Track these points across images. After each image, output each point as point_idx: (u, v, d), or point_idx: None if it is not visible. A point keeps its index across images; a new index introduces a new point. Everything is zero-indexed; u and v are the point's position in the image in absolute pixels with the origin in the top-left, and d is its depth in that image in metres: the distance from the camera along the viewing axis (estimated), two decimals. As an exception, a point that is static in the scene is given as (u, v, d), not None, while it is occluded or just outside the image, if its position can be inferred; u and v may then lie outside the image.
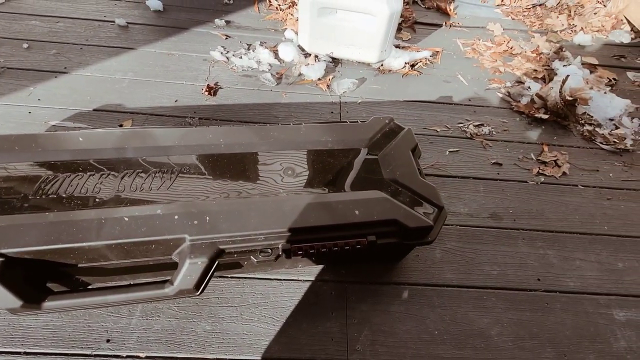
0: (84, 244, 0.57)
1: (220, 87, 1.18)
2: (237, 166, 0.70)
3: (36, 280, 0.60)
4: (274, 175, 0.70)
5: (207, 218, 0.61)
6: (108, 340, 0.68)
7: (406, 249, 0.77)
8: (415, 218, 0.65)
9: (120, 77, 1.16)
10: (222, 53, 1.28)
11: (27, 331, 0.67)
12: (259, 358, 0.68)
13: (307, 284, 0.79)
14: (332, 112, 1.16)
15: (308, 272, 0.80)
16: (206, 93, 1.14)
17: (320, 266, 0.81)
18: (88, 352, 0.66)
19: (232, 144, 0.72)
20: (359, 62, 1.33)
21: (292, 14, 1.46)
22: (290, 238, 0.62)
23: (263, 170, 0.70)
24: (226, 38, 1.36)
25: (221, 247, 0.60)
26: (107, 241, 0.57)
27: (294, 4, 1.53)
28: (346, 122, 0.84)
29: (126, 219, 0.60)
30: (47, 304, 0.57)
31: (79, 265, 0.61)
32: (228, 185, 0.67)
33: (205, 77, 1.20)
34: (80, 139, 0.69)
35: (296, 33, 1.38)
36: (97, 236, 0.57)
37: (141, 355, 0.67)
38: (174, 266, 0.67)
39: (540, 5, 1.76)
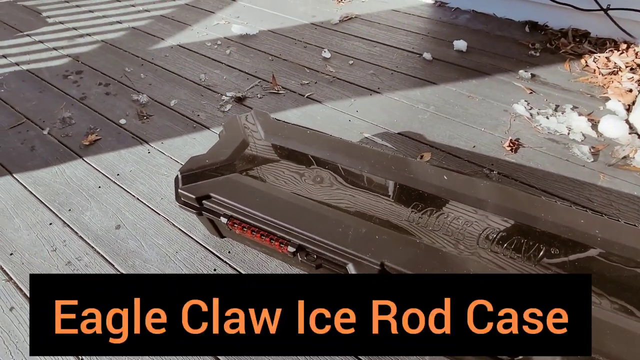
0: (452, 289, 0.58)
1: (522, 145, 1.09)
2: (620, 274, 0.59)
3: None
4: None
5: (590, 325, 0.52)
6: (398, 371, 0.69)
7: None
8: None
9: (422, 108, 1.24)
10: (525, 108, 1.20)
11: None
12: None
13: None
14: (673, 220, 0.90)
15: None
16: (508, 148, 1.08)
17: None
18: (380, 371, 0.69)
19: (612, 242, 0.61)
20: None
21: (619, 83, 1.24)
22: None
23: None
24: (530, 92, 1.27)
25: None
26: (473, 297, 0.57)
27: (619, 70, 1.30)
28: None
29: (495, 282, 0.57)
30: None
31: (418, 297, 0.64)
32: (612, 294, 0.56)
33: (506, 129, 1.15)
34: (445, 177, 0.73)
35: (625, 106, 1.15)
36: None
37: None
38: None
39: None
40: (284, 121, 0.90)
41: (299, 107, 1.27)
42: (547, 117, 1.16)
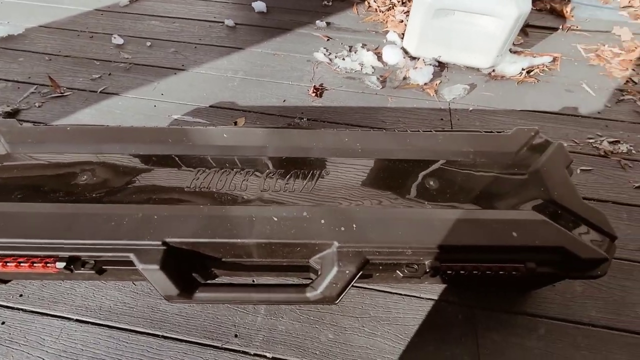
0: (237, 240, 0.57)
1: (325, 89, 1.17)
2: (376, 173, 0.67)
3: (186, 270, 0.62)
4: (416, 185, 0.66)
5: (354, 225, 0.59)
6: (236, 336, 0.68)
7: (554, 280, 0.68)
8: (587, 248, 0.57)
9: (231, 75, 1.21)
10: (325, 54, 1.28)
11: (164, 315, 0.70)
12: (386, 377, 0.65)
13: (431, 303, 0.73)
14: (441, 119, 1.09)
15: (430, 290, 0.75)
16: (313, 94, 1.14)
17: (444, 285, 0.75)
18: (218, 344, 0.67)
19: (370, 149, 0.70)
20: (467, 67, 1.25)
21: (393, 16, 1.42)
22: (439, 255, 0.58)
23: (404, 179, 0.66)
24: (328, 39, 1.35)
25: (368, 257, 0.57)
26: (258, 240, 0.57)
27: (394, 5, 1.49)
28: (480, 131, 0.77)
29: (275, 219, 0.59)
30: (198, 294, 0.58)
31: (222, 259, 0.63)
32: (369, 192, 0.64)
33: (310, 77, 1.21)
34: (225, 135, 0.71)
35: (400, 35, 1.33)
36: (250, 234, 0.58)
37: (268, 355, 0.67)
38: (304, 269, 0.66)
39: (678, 6, 1.52)
40: (41, 124, 0.75)
41: (91, 105, 1.09)
42: (344, 59, 1.27)
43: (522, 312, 0.72)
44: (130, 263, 0.57)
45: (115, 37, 1.31)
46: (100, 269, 0.58)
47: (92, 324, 0.69)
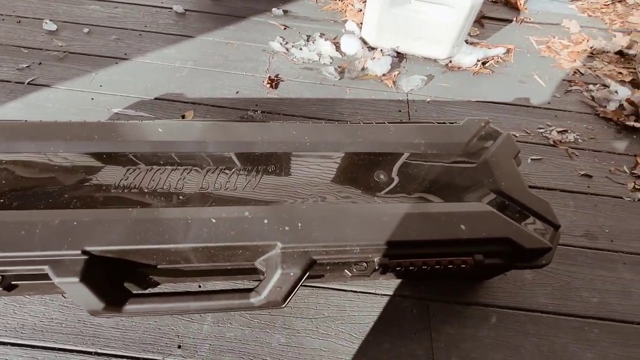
0: (171, 245, 0.52)
1: (281, 80, 1.12)
2: (325, 167, 0.64)
3: (115, 280, 0.56)
4: (365, 179, 0.63)
5: (299, 224, 0.55)
6: (179, 347, 0.63)
7: (503, 270, 0.69)
8: (532, 238, 0.57)
9: (180, 65, 1.12)
10: (281, 44, 1.22)
11: (97, 330, 0.64)
12: (339, 379, 0.63)
13: (385, 299, 0.72)
14: (400, 111, 1.08)
15: (386, 285, 0.73)
16: (267, 85, 1.08)
17: (399, 280, 0.74)
18: (159, 358, 0.62)
19: (318, 142, 0.66)
20: (425, 58, 1.24)
21: (352, 5, 1.39)
22: (388, 252, 0.56)
23: (353, 173, 0.63)
24: (284, 28, 1.30)
25: (314, 257, 0.54)
26: (194, 244, 0.52)
27: (353, -6, 1.45)
28: (433, 122, 0.76)
29: (213, 220, 0.54)
30: (129, 307, 0.53)
31: (158, 267, 0.57)
32: (317, 187, 0.61)
33: (265, 68, 1.15)
34: (160, 129, 0.65)
35: (358, 25, 1.30)
36: (184, 238, 0.52)
37: (214, 365, 0.62)
38: (251, 271, 0.62)
39: (620, 1, 1.60)
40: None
41: (17, 98, 0.98)
42: (301, 48, 1.22)
43: (475, 303, 0.73)
44: (47, 276, 0.51)
45: (47, 23, 1.18)
46: (9, 284, 0.51)
47: (12, 344, 0.61)
